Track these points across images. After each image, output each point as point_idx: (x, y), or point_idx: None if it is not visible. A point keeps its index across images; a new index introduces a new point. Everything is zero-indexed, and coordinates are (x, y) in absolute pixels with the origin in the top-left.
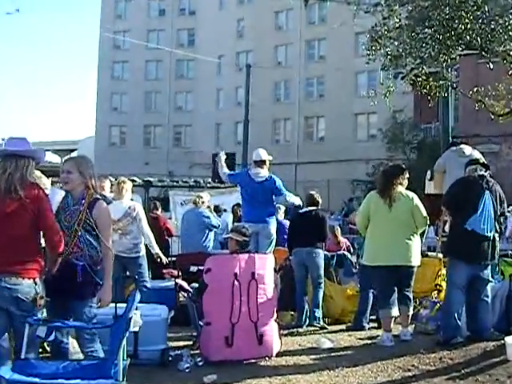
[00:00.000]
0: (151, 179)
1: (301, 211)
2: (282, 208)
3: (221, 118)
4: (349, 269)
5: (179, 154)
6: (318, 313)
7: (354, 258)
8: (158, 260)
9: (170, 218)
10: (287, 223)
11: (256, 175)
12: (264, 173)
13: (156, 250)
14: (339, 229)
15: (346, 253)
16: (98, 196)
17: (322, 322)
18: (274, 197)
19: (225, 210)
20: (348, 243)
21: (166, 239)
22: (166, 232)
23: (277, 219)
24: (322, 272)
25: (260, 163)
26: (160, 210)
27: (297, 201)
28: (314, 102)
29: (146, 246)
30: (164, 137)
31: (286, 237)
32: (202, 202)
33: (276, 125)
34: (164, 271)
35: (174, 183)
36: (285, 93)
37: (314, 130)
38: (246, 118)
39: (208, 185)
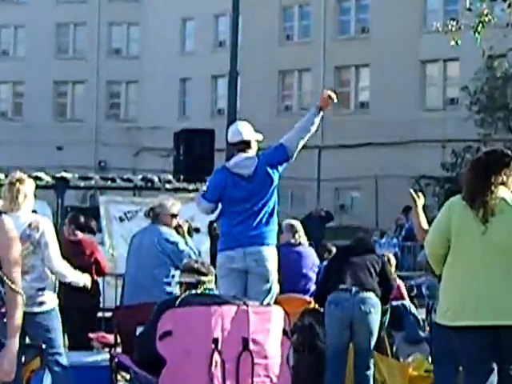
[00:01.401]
0: (68, 175)
1: (344, 245)
2: (297, 224)
3: (189, 68)
4: (412, 331)
5: (116, 131)
6: None
7: (421, 313)
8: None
9: (102, 244)
10: (309, 253)
11: (241, 166)
12: (251, 158)
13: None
14: (394, 259)
15: (407, 303)
16: None
17: None
18: (280, 166)
19: (197, 230)
20: (401, 286)
21: (94, 280)
22: (94, 267)
23: (290, 244)
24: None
25: (242, 146)
26: (86, 227)
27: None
28: (350, 41)
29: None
30: (90, 101)
31: (305, 274)
32: (163, 216)
33: (285, 80)
34: (91, 336)
35: (109, 182)
36: (300, 25)
37: (350, 91)
38: (234, 69)
39: (167, 185)
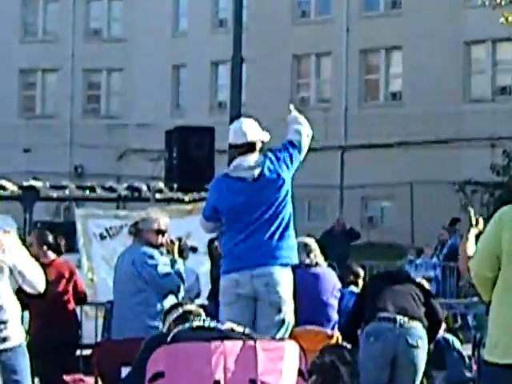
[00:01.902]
0: (37, 183)
1: (380, 272)
2: (311, 243)
3: (184, 53)
4: (456, 370)
5: (96, 129)
6: None
7: (466, 349)
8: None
9: (79, 267)
10: (329, 275)
11: (243, 167)
12: (256, 158)
13: None
14: (427, 285)
15: (450, 336)
16: None
17: None
18: (291, 164)
19: (193, 250)
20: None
21: (71, 310)
22: (72, 295)
23: (305, 265)
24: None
25: (245, 149)
26: (61, 247)
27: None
28: (378, 18)
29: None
30: (64, 94)
31: (324, 301)
32: (146, 232)
33: (300, 68)
34: (67, 379)
35: (87, 192)
36: (318, 1)
37: (379, 79)
38: (237, 53)
39: (158, 195)
